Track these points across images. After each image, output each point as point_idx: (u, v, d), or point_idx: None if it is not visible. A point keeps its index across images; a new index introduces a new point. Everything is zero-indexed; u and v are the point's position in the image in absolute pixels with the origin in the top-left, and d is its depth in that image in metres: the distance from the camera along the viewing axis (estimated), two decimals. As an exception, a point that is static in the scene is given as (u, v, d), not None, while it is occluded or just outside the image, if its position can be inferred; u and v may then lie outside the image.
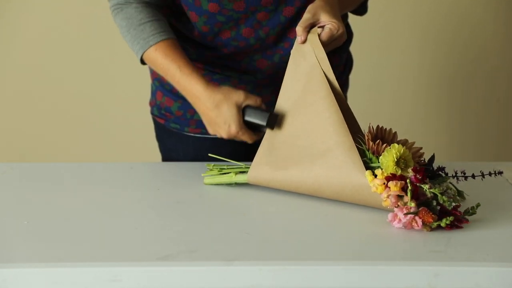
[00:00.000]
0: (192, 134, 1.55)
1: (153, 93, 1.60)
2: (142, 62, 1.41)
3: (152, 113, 1.61)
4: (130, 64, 2.50)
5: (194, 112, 1.52)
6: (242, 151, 1.50)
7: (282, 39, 1.44)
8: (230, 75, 1.48)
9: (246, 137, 1.32)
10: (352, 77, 1.67)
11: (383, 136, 1.22)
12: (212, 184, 1.33)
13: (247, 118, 1.31)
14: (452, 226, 1.10)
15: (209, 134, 1.53)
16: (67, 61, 2.58)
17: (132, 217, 1.19)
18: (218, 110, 1.32)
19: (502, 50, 2.55)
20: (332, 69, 1.54)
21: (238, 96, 1.31)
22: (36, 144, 2.65)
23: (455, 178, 1.22)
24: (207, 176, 1.34)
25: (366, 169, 1.17)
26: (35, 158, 2.60)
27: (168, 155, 1.62)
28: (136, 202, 1.26)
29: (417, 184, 1.12)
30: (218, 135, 1.33)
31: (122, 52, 2.47)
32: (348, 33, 1.60)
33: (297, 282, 0.99)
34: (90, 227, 1.14)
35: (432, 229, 1.10)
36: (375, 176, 1.16)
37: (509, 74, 2.57)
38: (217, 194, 1.30)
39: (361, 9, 1.55)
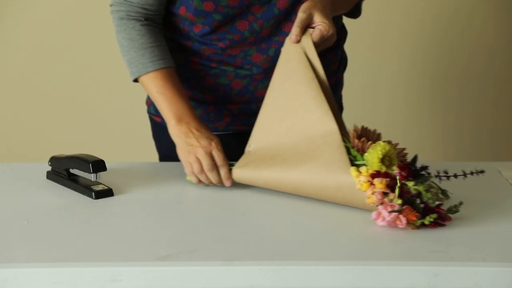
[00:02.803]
0: None
1: None
2: (134, 80, 1.45)
3: (148, 112, 1.62)
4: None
5: None
6: (239, 149, 1.50)
7: (277, 33, 1.45)
8: (226, 70, 1.48)
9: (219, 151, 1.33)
10: (347, 75, 1.67)
11: (368, 136, 1.23)
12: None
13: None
14: (435, 224, 1.11)
15: None
16: (64, 62, 2.58)
17: (132, 217, 1.19)
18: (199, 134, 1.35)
19: (501, 50, 2.55)
20: (328, 64, 1.55)
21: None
22: (35, 144, 2.65)
23: (438, 177, 1.23)
24: None
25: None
26: (35, 158, 2.60)
27: (165, 153, 1.62)
28: (136, 202, 1.26)
29: (402, 181, 1.12)
30: (194, 154, 1.33)
31: (119, 53, 2.47)
32: (343, 32, 1.61)
33: (297, 282, 0.99)
34: (90, 227, 1.14)
35: (416, 227, 1.11)
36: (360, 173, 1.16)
37: (508, 74, 2.57)
38: (217, 194, 1.30)
39: (355, 12, 1.56)
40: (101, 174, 1.29)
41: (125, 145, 2.65)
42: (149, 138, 1.67)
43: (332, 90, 1.59)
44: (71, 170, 1.35)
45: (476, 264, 0.99)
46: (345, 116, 1.71)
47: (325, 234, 1.11)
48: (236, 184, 1.32)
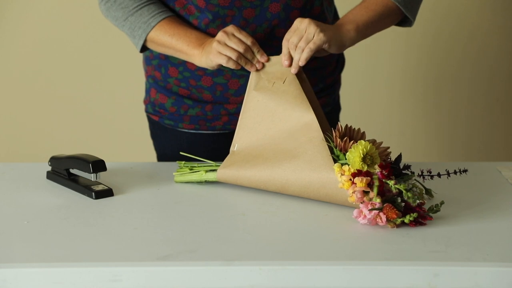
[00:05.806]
0: (186, 130, 1.56)
1: (147, 91, 1.61)
2: (142, 49, 1.46)
3: (146, 111, 1.62)
4: (124, 64, 2.50)
5: (187, 108, 1.53)
6: None
7: (271, 38, 1.46)
8: (223, 69, 1.49)
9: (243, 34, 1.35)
10: (344, 75, 1.68)
11: (352, 135, 1.23)
12: (182, 182, 1.34)
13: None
14: (416, 223, 1.11)
15: (202, 130, 1.55)
16: (64, 61, 2.58)
17: (132, 217, 1.19)
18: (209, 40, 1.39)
19: (501, 50, 2.55)
20: (325, 65, 1.56)
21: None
22: (35, 144, 2.65)
23: (421, 176, 1.24)
24: (177, 174, 1.35)
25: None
26: (35, 158, 2.60)
27: (162, 152, 1.63)
28: (136, 202, 1.26)
29: (383, 180, 1.13)
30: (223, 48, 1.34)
31: (119, 53, 2.47)
32: None
33: (297, 282, 0.99)
34: (90, 227, 1.14)
35: (396, 226, 1.11)
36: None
37: (508, 73, 2.57)
38: (217, 194, 1.30)
39: (405, 21, 1.52)
40: (101, 174, 1.30)
41: (125, 145, 2.64)
42: (149, 138, 1.67)
43: (330, 90, 1.60)
44: (71, 170, 1.35)
45: (476, 264, 1.00)
46: (342, 115, 1.72)
47: (325, 234, 1.11)
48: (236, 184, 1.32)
